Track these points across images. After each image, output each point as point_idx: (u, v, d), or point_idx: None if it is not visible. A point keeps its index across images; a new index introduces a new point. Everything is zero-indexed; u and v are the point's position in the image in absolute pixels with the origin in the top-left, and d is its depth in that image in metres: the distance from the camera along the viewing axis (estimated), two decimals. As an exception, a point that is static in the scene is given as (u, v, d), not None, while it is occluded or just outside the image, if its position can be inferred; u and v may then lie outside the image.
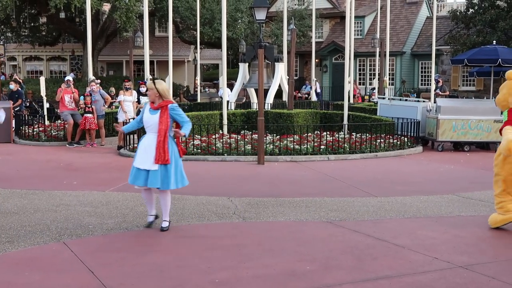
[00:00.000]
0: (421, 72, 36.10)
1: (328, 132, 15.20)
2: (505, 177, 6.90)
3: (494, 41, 22.25)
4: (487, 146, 15.22)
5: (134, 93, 16.14)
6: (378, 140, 14.36)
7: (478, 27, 30.53)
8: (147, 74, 16.78)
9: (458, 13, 31.75)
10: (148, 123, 6.85)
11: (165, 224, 6.94)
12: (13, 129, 17.05)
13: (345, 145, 13.95)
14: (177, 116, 6.81)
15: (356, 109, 19.33)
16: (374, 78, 28.95)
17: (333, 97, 34.94)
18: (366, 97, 27.55)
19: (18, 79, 23.46)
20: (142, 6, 18.86)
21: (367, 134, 14.54)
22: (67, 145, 15.70)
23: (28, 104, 21.09)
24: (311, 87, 28.42)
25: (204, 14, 31.40)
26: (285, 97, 22.55)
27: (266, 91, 19.96)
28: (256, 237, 6.68)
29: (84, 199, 8.71)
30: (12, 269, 5.47)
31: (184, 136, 6.83)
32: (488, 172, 11.58)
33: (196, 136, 14.55)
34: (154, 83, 6.83)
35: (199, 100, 25.51)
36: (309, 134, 14.87)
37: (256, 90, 20.36)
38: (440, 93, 21.68)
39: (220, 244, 6.32)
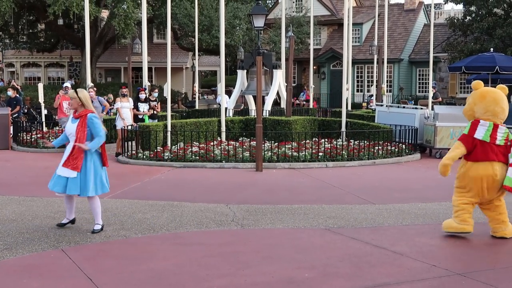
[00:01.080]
0: (419, 79, 36.20)
1: (326, 139, 15.22)
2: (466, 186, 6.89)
3: (492, 49, 22.31)
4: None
5: (131, 99, 16.14)
6: (376, 147, 14.38)
7: (476, 35, 30.66)
8: (145, 81, 16.84)
9: (455, 20, 31.89)
10: (69, 131, 7.09)
11: (96, 227, 7.14)
12: (11, 135, 17.04)
13: (343, 152, 13.96)
14: (92, 127, 6.96)
15: (354, 116, 19.37)
16: (372, 85, 29.00)
17: (331, 104, 35.00)
18: (364, 104, 27.61)
19: (16, 86, 23.47)
20: (141, 13, 18.91)
21: (365, 141, 14.56)
22: (65, 152, 15.68)
23: (26, 110, 21.09)
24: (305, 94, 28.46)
25: (202, 21, 31.48)
26: (283, 104, 22.59)
27: (264, 98, 20.00)
28: (254, 244, 6.68)
29: (82, 206, 8.69)
30: (10, 276, 5.46)
31: (89, 149, 6.94)
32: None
33: (195, 143, 14.56)
34: (76, 92, 7.06)
35: (197, 107, 25.52)
36: (307, 141, 14.89)
37: (254, 97, 20.40)
38: (432, 100, 21.74)
39: (218, 251, 6.32)
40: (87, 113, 7.00)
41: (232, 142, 14.77)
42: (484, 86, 7.18)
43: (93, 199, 7.08)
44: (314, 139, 15.32)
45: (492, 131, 6.80)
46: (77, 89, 7.13)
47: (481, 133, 6.80)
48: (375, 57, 26.57)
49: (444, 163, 6.82)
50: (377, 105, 19.59)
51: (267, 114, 19.59)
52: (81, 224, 7.50)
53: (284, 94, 21.71)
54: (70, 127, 7.03)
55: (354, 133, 15.57)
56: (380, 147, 14.44)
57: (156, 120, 16.28)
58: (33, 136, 16.81)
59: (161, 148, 14.26)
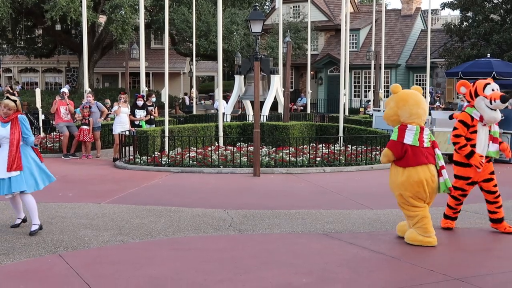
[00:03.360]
0: (416, 84, 36.22)
1: (323, 144, 15.23)
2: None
3: (488, 54, 22.40)
4: (482, 159, 15.23)
5: (128, 105, 16.15)
6: (374, 152, 14.39)
7: (472, 40, 30.76)
8: (143, 86, 16.83)
9: (452, 26, 31.98)
10: (0, 136, 7.16)
11: (34, 228, 7.22)
12: (8, 141, 17.00)
13: (341, 157, 13.97)
14: (23, 127, 7.19)
15: (351, 121, 19.40)
16: (369, 91, 29.07)
17: (328, 109, 35.05)
18: (362, 109, 27.67)
19: (11, 91, 23.43)
20: (138, 19, 18.93)
21: (363, 146, 14.57)
22: (62, 157, 15.68)
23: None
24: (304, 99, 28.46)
25: (199, 27, 31.51)
26: (280, 109, 22.61)
27: (261, 103, 20.02)
28: (252, 249, 6.67)
29: (80, 211, 8.69)
30: (7, 281, 5.44)
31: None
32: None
33: (192, 148, 14.56)
34: (12, 100, 7.29)
35: (194, 112, 25.54)
36: (305, 146, 14.90)
37: (251, 102, 20.42)
38: (441, 106, 21.88)
39: (216, 256, 6.30)
40: (17, 114, 7.23)
41: (230, 147, 14.76)
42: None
43: (28, 197, 7.17)
44: (311, 144, 15.33)
45: (419, 135, 6.80)
46: (11, 96, 7.49)
47: (410, 138, 6.77)
48: (372, 62, 26.63)
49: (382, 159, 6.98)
50: (374, 110, 19.61)
51: (265, 119, 19.60)
52: (78, 229, 7.48)
53: (281, 100, 21.73)
54: (1, 131, 7.14)
55: (352, 138, 15.58)
56: (377, 152, 14.44)
57: (154, 125, 16.30)
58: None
59: (159, 153, 14.25)
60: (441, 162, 6.86)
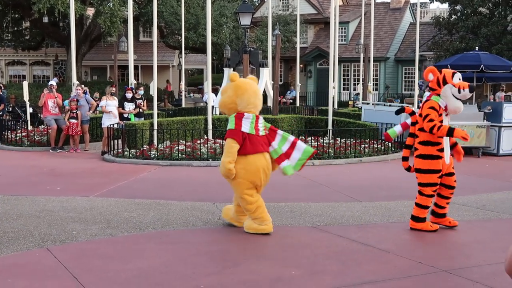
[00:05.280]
0: (405, 77, 36.37)
1: (312, 137, 15.24)
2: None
3: (477, 47, 22.49)
4: (469, 151, 15.33)
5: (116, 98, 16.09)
6: (363, 145, 14.43)
7: (461, 34, 30.90)
8: (132, 79, 16.76)
9: (441, 19, 32.11)
10: None
11: None
12: (-4, 134, 16.90)
13: (330, 150, 13.99)
14: None
15: (340, 114, 19.43)
16: (358, 84, 29.10)
17: (317, 102, 35.07)
18: (351, 102, 27.71)
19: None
20: (127, 11, 18.81)
21: (352, 139, 14.60)
22: (50, 151, 15.59)
23: (10, 109, 20.91)
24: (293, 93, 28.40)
25: (188, 19, 31.38)
26: (270, 102, 22.60)
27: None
28: (241, 242, 6.67)
29: (68, 204, 8.65)
30: (-6, 275, 5.41)
31: None
32: (470, 177, 11.68)
33: (181, 141, 14.52)
34: None
35: (183, 105, 25.47)
36: (294, 139, 14.87)
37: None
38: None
39: (205, 249, 6.30)
40: None
41: (219, 140, 14.73)
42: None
43: None
44: (300, 137, 15.33)
45: (255, 123, 6.87)
46: None
47: (247, 127, 6.81)
48: (361, 55, 26.66)
49: (230, 168, 6.68)
50: (363, 103, 19.65)
51: (254, 113, 19.54)
52: (66, 223, 7.44)
53: (270, 93, 21.72)
54: None
55: (341, 131, 15.60)
56: (366, 145, 14.48)
57: (143, 118, 16.23)
58: (18, 134, 16.68)
59: (148, 147, 14.21)
60: (286, 145, 7.00)
